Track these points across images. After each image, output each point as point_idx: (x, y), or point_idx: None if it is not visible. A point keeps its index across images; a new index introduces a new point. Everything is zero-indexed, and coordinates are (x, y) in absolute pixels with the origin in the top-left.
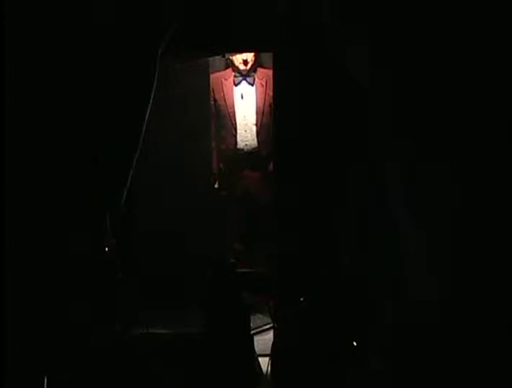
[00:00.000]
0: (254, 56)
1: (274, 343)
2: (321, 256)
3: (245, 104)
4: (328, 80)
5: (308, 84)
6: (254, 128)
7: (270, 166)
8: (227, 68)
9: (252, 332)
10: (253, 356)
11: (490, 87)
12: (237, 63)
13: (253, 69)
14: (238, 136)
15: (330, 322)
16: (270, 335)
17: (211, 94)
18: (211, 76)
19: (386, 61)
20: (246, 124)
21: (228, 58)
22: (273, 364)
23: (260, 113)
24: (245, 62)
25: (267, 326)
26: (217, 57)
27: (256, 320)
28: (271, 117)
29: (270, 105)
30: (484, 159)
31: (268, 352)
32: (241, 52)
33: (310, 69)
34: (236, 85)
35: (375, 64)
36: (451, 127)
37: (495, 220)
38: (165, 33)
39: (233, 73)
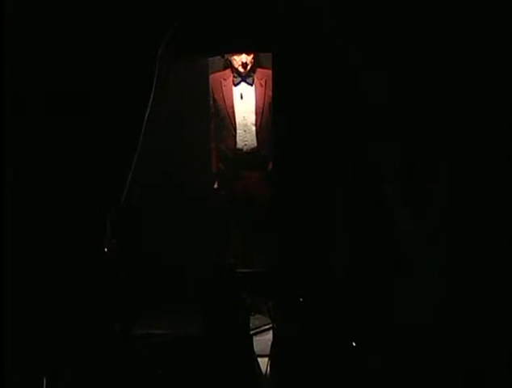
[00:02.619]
0: (253, 57)
1: (273, 344)
2: (320, 256)
3: (245, 104)
4: (327, 80)
5: (307, 84)
6: (254, 128)
7: (270, 166)
8: (226, 68)
9: (251, 332)
10: (252, 357)
11: (489, 87)
12: (236, 65)
13: (253, 69)
14: (238, 136)
15: (330, 322)
16: (269, 336)
17: (211, 94)
18: (211, 76)
19: (386, 61)
20: (246, 125)
21: (228, 59)
22: (272, 364)
23: (259, 113)
24: (244, 65)
25: (267, 327)
26: (217, 57)
27: (255, 320)
28: (271, 117)
29: (269, 105)
30: (484, 159)
31: (268, 352)
32: (240, 52)
33: (310, 69)
34: (235, 85)
35: (374, 64)
36: (450, 127)
37: (495, 219)
38: (165, 33)
39: (233, 74)
